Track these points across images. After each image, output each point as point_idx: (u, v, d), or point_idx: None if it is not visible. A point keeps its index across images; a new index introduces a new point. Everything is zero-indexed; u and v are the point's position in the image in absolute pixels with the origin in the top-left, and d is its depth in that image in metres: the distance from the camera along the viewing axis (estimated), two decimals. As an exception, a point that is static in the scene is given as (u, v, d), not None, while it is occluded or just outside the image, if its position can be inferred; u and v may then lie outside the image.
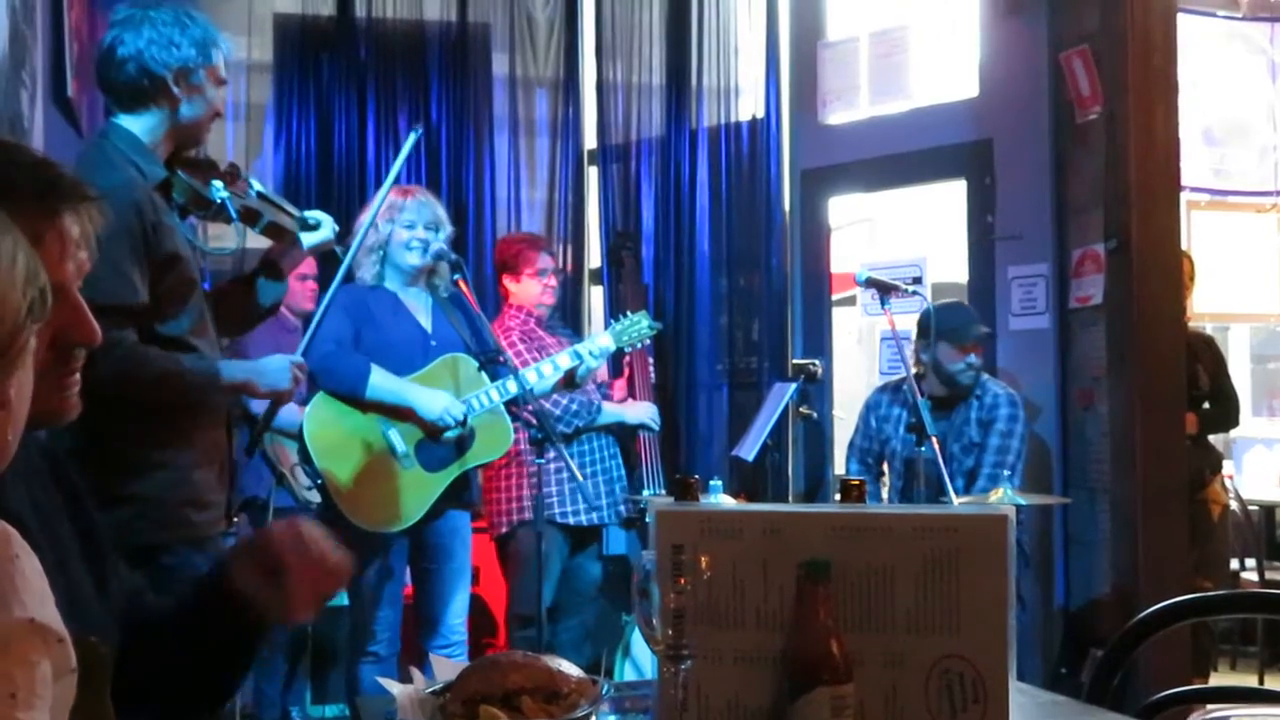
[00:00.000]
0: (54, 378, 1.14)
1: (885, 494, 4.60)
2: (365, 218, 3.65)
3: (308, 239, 2.84)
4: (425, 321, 3.74)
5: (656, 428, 4.55)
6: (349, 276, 3.60)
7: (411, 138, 3.28)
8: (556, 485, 4.18)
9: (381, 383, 3.54)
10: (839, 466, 5.53)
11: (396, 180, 3.41)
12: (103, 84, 2.57)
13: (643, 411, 4.50)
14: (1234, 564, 5.41)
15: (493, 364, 3.64)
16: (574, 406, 4.21)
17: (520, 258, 4.35)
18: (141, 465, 2.42)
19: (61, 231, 1.10)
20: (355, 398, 3.53)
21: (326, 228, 2.87)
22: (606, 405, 4.39)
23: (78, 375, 1.17)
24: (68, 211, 1.11)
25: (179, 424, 2.49)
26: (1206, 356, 5.06)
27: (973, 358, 4.29)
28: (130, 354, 2.36)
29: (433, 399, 3.57)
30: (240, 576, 1.37)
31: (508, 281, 4.39)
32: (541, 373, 3.86)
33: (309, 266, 4.29)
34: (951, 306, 4.46)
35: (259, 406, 3.07)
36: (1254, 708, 2.02)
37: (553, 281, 4.41)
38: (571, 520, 4.25)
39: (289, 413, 3.91)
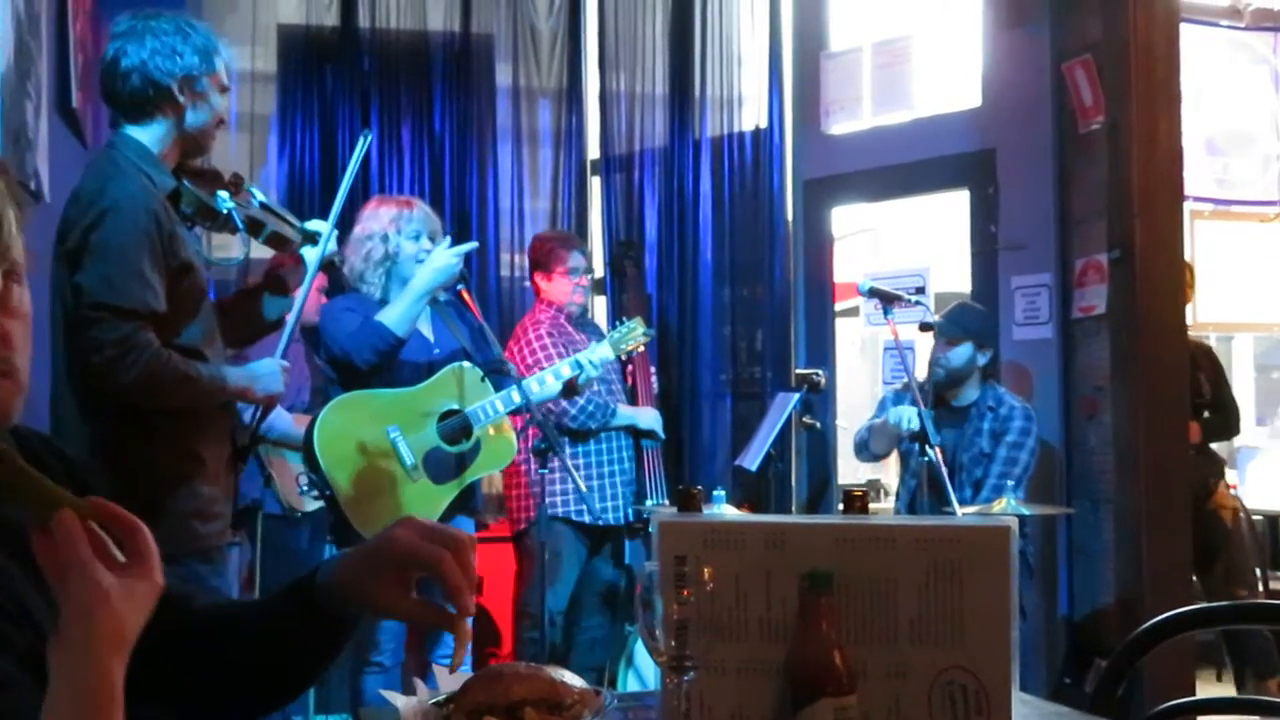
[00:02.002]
0: None
1: (893, 501, 4.57)
2: (361, 230, 3.65)
3: (310, 255, 2.84)
4: (427, 331, 3.74)
5: (662, 434, 4.57)
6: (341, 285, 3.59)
7: (363, 140, 3.07)
8: (573, 485, 4.20)
9: (392, 311, 3.46)
10: (843, 476, 5.53)
11: (352, 187, 3.27)
12: (108, 96, 2.58)
13: (653, 418, 4.53)
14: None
15: (496, 373, 3.65)
16: (590, 407, 4.28)
17: (553, 256, 4.43)
18: (151, 477, 2.42)
19: None
20: (397, 345, 3.47)
21: (328, 240, 2.87)
22: (622, 408, 4.44)
23: None
24: None
25: (187, 435, 2.50)
26: (1207, 365, 5.06)
27: (940, 357, 4.25)
28: (156, 357, 2.39)
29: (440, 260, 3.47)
30: (352, 575, 1.26)
31: (539, 279, 4.46)
32: (544, 381, 3.87)
33: (318, 279, 4.27)
34: (956, 306, 4.44)
35: (246, 412, 3.05)
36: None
37: (584, 281, 4.47)
38: (587, 519, 4.28)
39: (283, 421, 3.91)
